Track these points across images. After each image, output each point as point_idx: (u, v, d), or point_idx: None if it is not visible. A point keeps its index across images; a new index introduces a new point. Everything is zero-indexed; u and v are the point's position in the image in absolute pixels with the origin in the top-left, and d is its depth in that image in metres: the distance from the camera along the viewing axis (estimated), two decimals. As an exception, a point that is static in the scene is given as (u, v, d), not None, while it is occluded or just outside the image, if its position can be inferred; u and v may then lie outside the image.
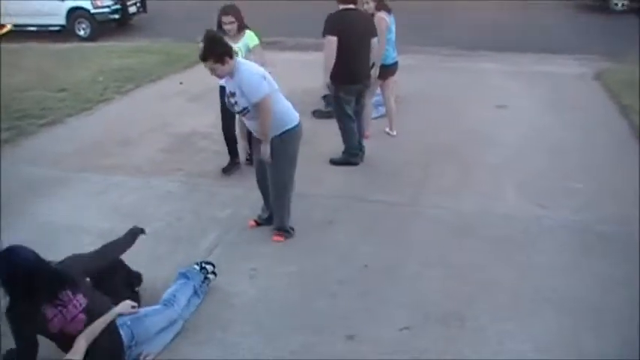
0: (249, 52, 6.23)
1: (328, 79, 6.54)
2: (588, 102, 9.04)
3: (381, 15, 7.11)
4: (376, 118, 8.07)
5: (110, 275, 4.32)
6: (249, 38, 6.29)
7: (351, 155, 6.90)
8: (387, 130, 7.83)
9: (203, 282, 4.52)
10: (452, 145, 7.37)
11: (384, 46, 7.11)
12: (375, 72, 7.05)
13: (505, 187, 6.24)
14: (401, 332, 4.12)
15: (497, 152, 7.13)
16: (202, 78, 10.89)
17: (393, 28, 7.43)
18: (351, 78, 6.56)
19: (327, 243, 5.30)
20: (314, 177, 6.37)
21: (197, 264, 4.62)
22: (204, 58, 4.89)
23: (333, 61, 6.43)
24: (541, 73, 10.69)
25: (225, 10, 6.19)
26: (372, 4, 7.03)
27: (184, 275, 4.46)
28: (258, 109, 4.83)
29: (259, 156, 5.17)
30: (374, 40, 6.69)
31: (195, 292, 4.41)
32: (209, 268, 4.62)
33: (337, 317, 4.30)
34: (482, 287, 4.59)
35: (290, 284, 4.72)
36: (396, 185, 6.35)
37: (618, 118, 8.26)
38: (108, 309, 3.83)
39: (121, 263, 4.49)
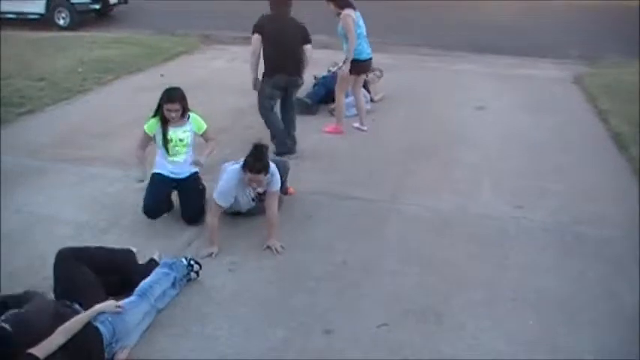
0: (197, 136, 5.78)
1: (255, 75, 6.98)
2: (567, 105, 9.13)
3: (346, 12, 7.23)
4: (350, 117, 8.13)
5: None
6: (195, 122, 5.72)
7: (279, 145, 6.97)
8: (357, 125, 7.91)
9: (184, 277, 4.51)
10: (431, 145, 7.42)
11: (354, 42, 7.26)
12: (346, 67, 7.39)
13: (483, 187, 6.29)
14: (379, 328, 4.14)
15: (476, 152, 7.18)
16: (183, 71, 10.99)
17: (361, 22, 7.50)
18: (273, 73, 6.83)
19: (306, 239, 5.30)
20: (293, 173, 6.35)
21: (185, 258, 4.60)
22: (261, 171, 4.94)
23: (255, 58, 6.92)
24: (520, 76, 10.78)
25: (171, 98, 5.50)
26: (331, 5, 7.27)
27: (168, 265, 4.45)
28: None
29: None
30: (307, 47, 6.94)
31: (174, 285, 4.40)
32: (195, 267, 4.59)
33: (315, 313, 4.31)
34: (459, 285, 4.63)
35: (269, 279, 4.72)
36: (375, 183, 6.37)
37: (596, 121, 8.35)
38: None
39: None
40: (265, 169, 4.91)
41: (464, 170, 6.70)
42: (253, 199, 5.41)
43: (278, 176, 5.16)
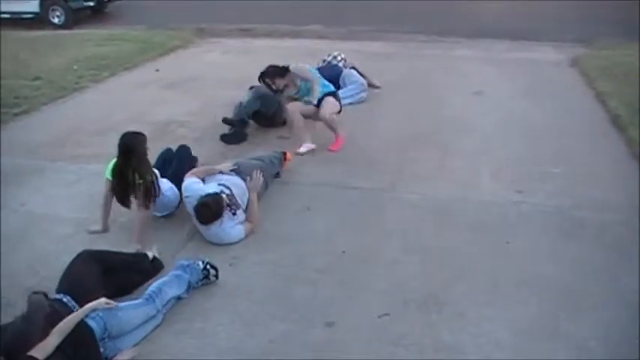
0: None
1: None
2: (565, 88, 9.10)
3: (292, 68, 6.89)
4: (352, 104, 8.12)
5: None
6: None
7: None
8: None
9: (201, 280, 4.46)
10: (429, 132, 7.39)
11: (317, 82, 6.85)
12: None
13: (482, 173, 6.26)
14: (380, 318, 4.13)
15: (475, 138, 7.16)
16: (178, 65, 10.98)
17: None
18: None
19: (305, 230, 5.29)
20: (292, 164, 6.37)
21: (202, 261, 4.51)
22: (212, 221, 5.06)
23: None
24: (517, 60, 10.73)
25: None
26: (276, 81, 6.91)
27: (183, 268, 4.41)
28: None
29: None
30: None
31: (188, 289, 4.36)
32: (212, 271, 4.51)
33: (316, 305, 4.30)
34: (460, 272, 4.62)
35: (269, 272, 4.71)
36: (374, 172, 6.35)
37: (594, 104, 8.32)
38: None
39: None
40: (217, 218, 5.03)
41: (463, 157, 6.68)
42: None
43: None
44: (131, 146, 5.08)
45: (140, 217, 5.11)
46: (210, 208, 4.96)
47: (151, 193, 5.08)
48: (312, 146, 6.85)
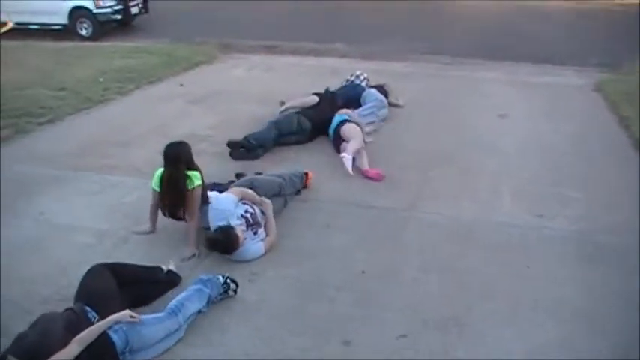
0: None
1: None
2: (588, 113, 9.05)
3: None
4: (374, 122, 8.12)
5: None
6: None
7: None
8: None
9: (221, 294, 4.47)
10: (451, 153, 7.37)
11: None
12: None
13: (503, 196, 6.23)
14: (398, 340, 4.10)
15: (497, 160, 7.13)
16: (203, 80, 11.05)
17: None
18: None
19: (325, 248, 5.28)
20: (312, 182, 6.37)
21: (222, 276, 4.52)
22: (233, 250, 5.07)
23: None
24: (541, 84, 10.70)
25: None
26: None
27: (203, 282, 4.40)
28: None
29: None
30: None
31: (208, 303, 4.36)
32: (232, 285, 4.52)
33: (334, 322, 4.29)
34: (479, 294, 4.59)
35: (288, 289, 4.70)
36: (395, 191, 6.34)
37: (617, 128, 8.26)
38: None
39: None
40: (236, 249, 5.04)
41: (485, 178, 6.65)
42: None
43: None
44: (179, 154, 5.21)
45: (193, 223, 5.21)
46: (223, 245, 5.00)
47: (199, 198, 5.23)
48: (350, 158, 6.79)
